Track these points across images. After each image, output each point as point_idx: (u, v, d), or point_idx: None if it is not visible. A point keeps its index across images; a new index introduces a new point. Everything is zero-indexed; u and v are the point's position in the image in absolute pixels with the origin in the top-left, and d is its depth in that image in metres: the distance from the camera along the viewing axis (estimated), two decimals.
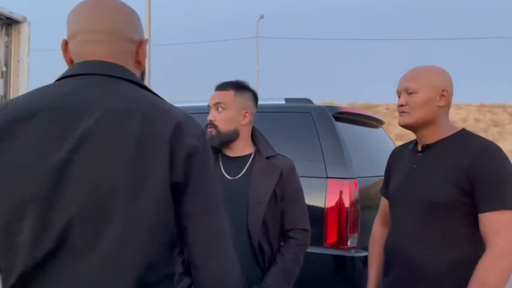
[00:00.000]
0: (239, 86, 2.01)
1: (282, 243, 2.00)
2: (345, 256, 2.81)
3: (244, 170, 1.97)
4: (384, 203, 2.01)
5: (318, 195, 2.87)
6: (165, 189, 0.96)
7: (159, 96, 1.08)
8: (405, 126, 1.75)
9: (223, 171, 1.99)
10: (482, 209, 1.56)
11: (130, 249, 0.93)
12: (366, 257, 2.68)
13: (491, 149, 1.61)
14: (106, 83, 1.03)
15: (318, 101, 3.50)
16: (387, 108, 27.41)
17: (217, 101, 1.97)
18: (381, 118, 4.07)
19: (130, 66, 1.10)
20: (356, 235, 2.82)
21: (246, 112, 1.99)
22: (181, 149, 0.98)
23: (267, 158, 1.99)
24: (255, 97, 2.06)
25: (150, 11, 12.74)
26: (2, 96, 4.69)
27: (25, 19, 4.79)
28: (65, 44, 1.11)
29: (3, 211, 0.92)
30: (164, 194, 0.96)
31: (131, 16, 1.12)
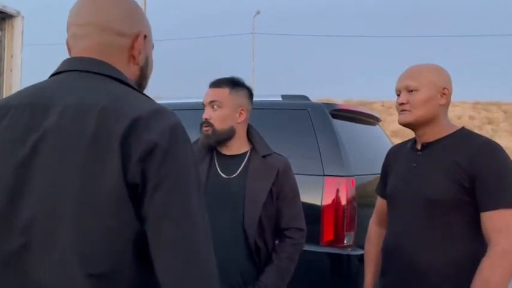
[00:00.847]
0: (234, 83, 1.98)
1: (277, 242, 1.98)
2: (341, 254, 2.79)
3: (240, 169, 1.95)
4: (380, 202, 2.00)
5: (315, 193, 2.85)
6: (120, 191, 0.87)
7: (142, 93, 1.03)
8: (406, 125, 1.73)
9: (219, 170, 1.96)
10: (483, 208, 1.55)
11: (81, 256, 0.86)
12: (362, 256, 2.66)
13: (491, 147, 1.60)
14: (78, 79, 0.99)
15: (314, 97, 3.48)
16: (383, 105, 27.45)
17: (212, 99, 1.94)
18: (377, 115, 4.06)
19: (119, 61, 1.04)
20: (352, 233, 2.81)
21: (242, 109, 1.96)
22: (137, 146, 0.88)
23: (263, 156, 1.96)
24: (251, 94, 2.03)
25: (145, 6, 12.68)
26: None
27: (18, 13, 4.74)
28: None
29: None
30: (118, 197, 0.87)
31: (125, 8, 1.06)
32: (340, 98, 26.67)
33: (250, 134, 2.03)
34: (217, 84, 1.98)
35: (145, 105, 0.94)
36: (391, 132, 19.17)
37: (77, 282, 0.86)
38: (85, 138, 0.88)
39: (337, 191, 2.82)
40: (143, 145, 0.88)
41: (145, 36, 1.07)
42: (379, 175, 2.03)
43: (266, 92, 3.54)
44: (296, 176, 2.04)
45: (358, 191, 2.90)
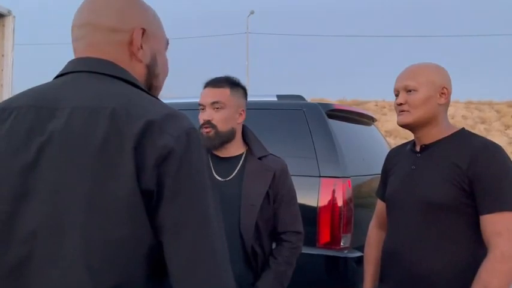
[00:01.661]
0: (233, 83, 1.93)
1: (274, 246, 1.94)
2: (338, 257, 2.76)
3: (235, 171, 1.90)
4: (379, 205, 1.96)
5: (311, 195, 2.81)
6: (133, 197, 0.82)
7: (148, 93, 0.98)
8: (405, 126, 1.69)
9: (214, 173, 1.91)
10: (483, 211, 1.52)
11: (89, 268, 0.81)
12: (359, 258, 2.63)
13: (491, 148, 1.57)
14: (82, 79, 0.95)
15: (308, 97, 3.46)
16: (376, 105, 27.50)
17: (214, 99, 1.87)
18: (373, 115, 4.04)
19: (121, 59, 0.99)
20: (349, 235, 2.78)
21: (242, 110, 1.93)
22: (151, 150, 0.83)
23: (259, 158, 1.92)
24: (246, 94, 1.99)
25: None
26: None
27: (10, 12, 4.67)
28: None
29: None
30: (132, 204, 0.82)
31: (119, 4, 1.01)
32: (334, 97, 26.69)
33: (245, 135, 1.98)
34: (217, 84, 1.91)
35: (158, 108, 0.90)
36: (385, 132, 19.20)
37: None
38: (95, 142, 0.84)
39: (334, 192, 2.79)
40: (158, 150, 0.83)
41: (144, 31, 1.01)
42: (376, 176, 2.00)
43: (260, 91, 3.52)
44: (291, 177, 2.01)
45: (354, 192, 2.87)
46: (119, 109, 0.86)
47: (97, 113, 0.86)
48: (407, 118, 1.66)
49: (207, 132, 1.87)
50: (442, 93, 1.66)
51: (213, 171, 1.91)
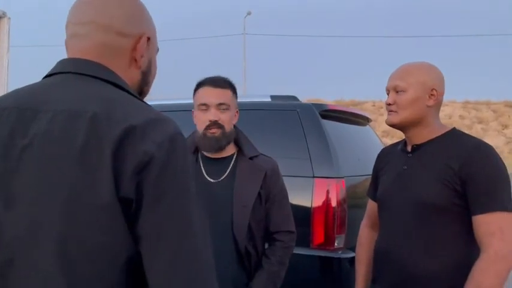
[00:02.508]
0: (232, 84, 1.94)
1: (266, 246, 1.94)
2: (332, 257, 2.75)
3: (227, 172, 1.90)
4: (371, 205, 1.96)
5: (304, 195, 2.80)
6: (111, 205, 0.79)
7: (141, 100, 0.95)
8: (392, 126, 1.70)
9: (205, 174, 1.91)
10: (475, 211, 1.52)
11: (67, 276, 0.80)
12: (353, 258, 2.63)
13: (483, 148, 1.57)
14: (71, 82, 0.92)
15: (305, 98, 3.45)
16: (374, 105, 27.54)
17: (221, 101, 1.85)
18: (368, 116, 4.03)
19: (119, 64, 0.96)
20: (343, 236, 2.77)
21: (237, 111, 1.96)
22: (131, 157, 0.79)
23: (250, 158, 1.92)
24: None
25: None
26: None
27: (4, 14, 4.65)
28: None
29: None
30: (110, 212, 0.79)
31: (129, 8, 0.98)
32: (332, 98, 26.73)
33: (236, 136, 1.97)
34: (221, 84, 1.89)
35: (143, 113, 0.86)
36: (382, 132, 19.21)
37: None
38: (75, 147, 0.81)
39: (327, 192, 2.79)
40: (139, 156, 0.80)
41: (148, 39, 0.99)
42: (370, 176, 1.99)
43: (257, 92, 3.51)
44: (285, 178, 2.00)
45: (348, 192, 2.86)
46: (100, 113, 0.83)
47: (78, 117, 0.83)
48: (394, 118, 1.66)
49: (212, 133, 1.84)
50: (431, 94, 1.65)
51: (204, 172, 1.91)
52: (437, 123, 1.70)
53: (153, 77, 1.06)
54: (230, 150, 1.95)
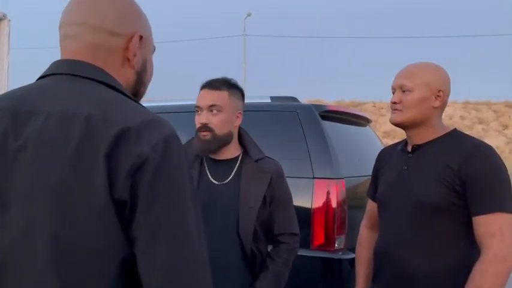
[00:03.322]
0: (232, 85, 1.89)
1: (271, 248, 1.94)
2: (332, 258, 2.75)
3: (232, 174, 1.89)
4: (370, 205, 1.96)
5: (305, 196, 2.80)
6: (105, 208, 0.79)
7: (136, 102, 0.94)
8: (396, 125, 1.69)
9: (210, 177, 1.90)
10: (475, 212, 1.51)
11: (60, 279, 0.80)
12: (353, 259, 2.63)
13: (482, 149, 1.57)
14: (65, 83, 0.92)
15: (305, 98, 3.45)
16: (374, 106, 27.53)
17: (212, 102, 1.83)
18: (368, 116, 4.03)
19: (112, 64, 0.96)
20: (343, 237, 2.77)
21: (239, 113, 1.90)
22: (125, 159, 0.79)
23: (256, 160, 1.91)
24: (243, 96, 1.97)
25: None
26: None
27: (5, 16, 4.66)
28: None
29: None
30: (103, 214, 0.79)
31: (121, 7, 0.97)
32: (332, 98, 26.71)
33: (242, 138, 1.96)
34: (215, 86, 1.87)
35: (137, 115, 0.86)
36: (383, 133, 19.19)
37: None
38: (69, 148, 0.80)
39: (328, 193, 2.79)
40: (133, 158, 0.80)
41: (141, 37, 0.98)
42: (370, 177, 1.99)
43: (258, 93, 3.50)
44: (287, 181, 2.00)
45: (348, 193, 2.86)
46: (95, 115, 0.83)
47: (72, 118, 0.83)
48: (399, 117, 1.66)
49: (204, 136, 1.83)
50: (437, 95, 1.65)
51: (208, 174, 1.90)
52: (439, 124, 1.69)
53: (150, 77, 1.05)
54: (235, 152, 1.94)
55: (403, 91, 1.65)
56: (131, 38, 0.97)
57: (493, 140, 21.55)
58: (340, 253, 2.76)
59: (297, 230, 1.96)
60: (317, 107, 3.18)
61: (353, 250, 2.52)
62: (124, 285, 0.83)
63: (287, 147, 2.97)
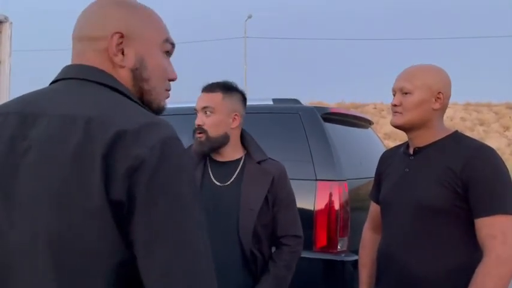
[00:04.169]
0: (227, 88, 1.92)
1: (273, 250, 1.94)
2: (335, 260, 2.75)
3: (234, 176, 1.90)
4: (373, 208, 1.96)
5: (307, 198, 2.81)
6: (102, 209, 0.79)
7: (136, 101, 0.96)
8: (397, 127, 1.69)
9: (212, 178, 1.91)
10: (477, 214, 1.51)
11: (60, 283, 0.80)
12: (356, 261, 2.63)
13: (484, 151, 1.57)
14: (71, 86, 0.94)
15: (306, 101, 3.45)
16: (375, 108, 27.54)
17: (205, 104, 1.88)
18: (369, 118, 4.03)
19: (105, 65, 0.97)
20: (346, 238, 2.77)
21: (236, 115, 1.91)
22: (122, 161, 0.79)
23: (258, 162, 1.92)
24: (244, 98, 1.98)
25: None
26: None
27: (6, 19, 4.66)
28: None
29: None
30: (101, 216, 0.79)
31: (99, 13, 0.99)
32: (333, 100, 26.73)
33: (244, 139, 1.98)
34: (210, 89, 1.92)
35: (138, 117, 0.86)
36: (384, 135, 19.20)
37: None
38: (68, 151, 0.81)
39: (330, 195, 2.79)
40: (130, 160, 0.79)
41: (122, 35, 0.97)
42: (372, 178, 1.99)
43: (259, 95, 3.51)
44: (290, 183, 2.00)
45: (351, 195, 2.86)
46: (94, 117, 0.84)
47: (73, 122, 0.84)
48: (399, 120, 1.66)
49: (199, 137, 1.88)
50: (437, 97, 1.65)
51: (211, 176, 1.92)
52: (440, 126, 1.69)
53: (156, 73, 1.03)
54: (237, 153, 1.95)
55: (404, 93, 1.65)
56: (111, 38, 0.97)
57: (494, 142, 21.53)
58: (342, 255, 2.76)
59: (300, 232, 1.95)
60: (319, 109, 3.19)
61: (356, 252, 2.53)
62: (123, 287, 0.83)
63: (289, 149, 2.97)
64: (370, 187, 2.02)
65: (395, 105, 1.67)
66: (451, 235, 1.57)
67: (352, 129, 3.62)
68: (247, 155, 1.95)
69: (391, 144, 15.18)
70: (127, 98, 0.94)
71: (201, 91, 1.94)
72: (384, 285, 1.73)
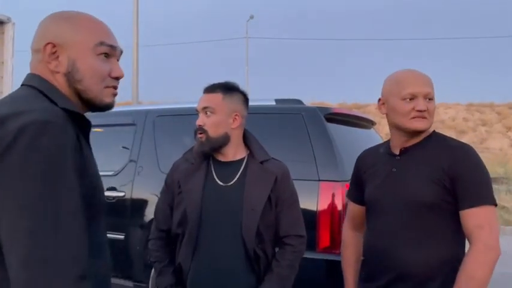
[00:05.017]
0: (227, 88, 1.93)
1: (277, 250, 1.94)
2: (338, 261, 2.73)
3: (237, 176, 1.90)
4: (352, 207, 1.98)
5: (310, 198, 2.81)
6: None
7: (47, 96, 1.07)
8: (420, 132, 1.72)
9: (216, 178, 1.91)
10: (465, 206, 1.61)
11: None
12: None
13: (469, 150, 1.68)
14: (15, 91, 1.11)
15: (307, 101, 3.45)
16: (377, 108, 27.46)
17: (205, 105, 1.89)
18: (372, 119, 4.04)
19: (45, 73, 1.11)
20: None
21: (236, 115, 1.91)
22: None
23: (261, 162, 1.92)
24: (245, 99, 1.98)
25: (138, 11, 12.62)
26: None
27: (9, 19, 4.68)
28: None
29: None
30: None
31: (39, 27, 1.14)
32: (335, 101, 26.71)
33: (247, 140, 1.99)
34: (210, 89, 1.93)
35: (16, 107, 0.96)
36: (386, 135, 19.11)
37: None
38: None
39: (333, 196, 2.79)
40: None
41: (54, 45, 1.10)
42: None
43: (260, 96, 3.52)
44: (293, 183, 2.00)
45: None
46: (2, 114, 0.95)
47: None
48: (426, 124, 1.70)
49: (200, 138, 1.89)
50: None
51: (214, 176, 1.92)
52: None
53: (88, 74, 1.12)
54: (240, 153, 1.95)
55: (428, 99, 1.69)
56: (44, 48, 1.10)
57: (497, 142, 21.50)
58: None
59: (303, 232, 1.95)
60: (322, 109, 3.19)
61: None
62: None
63: (292, 149, 2.98)
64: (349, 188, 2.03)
65: (423, 111, 1.67)
66: (440, 230, 1.65)
67: (355, 129, 3.62)
68: (250, 155, 1.96)
69: None
70: (42, 95, 1.07)
71: (202, 92, 1.96)
72: (374, 282, 1.74)
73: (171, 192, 1.98)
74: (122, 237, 3.66)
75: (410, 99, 1.68)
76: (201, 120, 1.89)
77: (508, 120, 25.50)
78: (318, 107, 3.20)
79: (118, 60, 1.20)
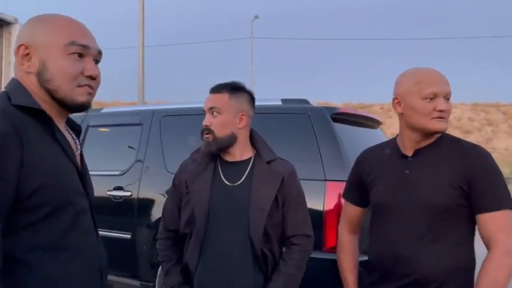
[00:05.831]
0: (234, 88, 1.93)
1: (284, 250, 1.94)
2: None
3: (244, 176, 1.91)
4: (350, 209, 1.93)
5: (317, 198, 2.81)
6: None
7: (9, 96, 1.10)
8: (440, 132, 1.67)
9: (223, 178, 1.92)
10: (482, 209, 1.57)
11: None
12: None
13: (484, 152, 1.65)
14: None
15: (313, 101, 3.45)
16: (382, 108, 27.50)
17: (211, 105, 1.90)
18: (378, 118, 4.03)
19: (20, 74, 1.16)
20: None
21: (243, 115, 1.91)
22: None
23: (268, 162, 1.92)
24: (252, 99, 1.98)
25: (143, 11, 12.65)
26: None
27: (16, 20, 4.70)
28: None
29: None
30: None
31: (22, 27, 1.18)
32: (340, 101, 26.71)
33: (253, 139, 1.99)
34: (216, 89, 1.93)
35: None
36: (391, 135, 19.07)
37: None
38: None
39: (340, 195, 2.78)
40: None
41: (26, 47, 1.14)
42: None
43: (265, 96, 3.52)
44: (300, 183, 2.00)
45: None
46: None
47: None
48: (446, 125, 1.66)
49: (206, 138, 1.90)
50: None
51: (222, 176, 1.92)
52: None
53: (57, 74, 1.14)
54: (247, 153, 1.96)
55: (447, 99, 1.65)
56: (17, 51, 1.15)
57: (502, 142, 21.42)
58: None
59: (310, 231, 1.95)
60: (328, 109, 3.19)
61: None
62: None
63: (299, 149, 2.98)
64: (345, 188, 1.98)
65: (443, 111, 1.63)
66: (455, 234, 1.62)
67: (362, 129, 3.62)
68: (257, 155, 1.96)
69: None
70: (6, 96, 1.11)
71: (209, 92, 1.96)
72: (390, 286, 1.71)
73: (178, 192, 1.98)
74: (129, 236, 3.68)
75: (431, 98, 1.62)
76: (207, 120, 1.90)
77: None
78: (324, 107, 3.20)
79: (98, 61, 1.21)
